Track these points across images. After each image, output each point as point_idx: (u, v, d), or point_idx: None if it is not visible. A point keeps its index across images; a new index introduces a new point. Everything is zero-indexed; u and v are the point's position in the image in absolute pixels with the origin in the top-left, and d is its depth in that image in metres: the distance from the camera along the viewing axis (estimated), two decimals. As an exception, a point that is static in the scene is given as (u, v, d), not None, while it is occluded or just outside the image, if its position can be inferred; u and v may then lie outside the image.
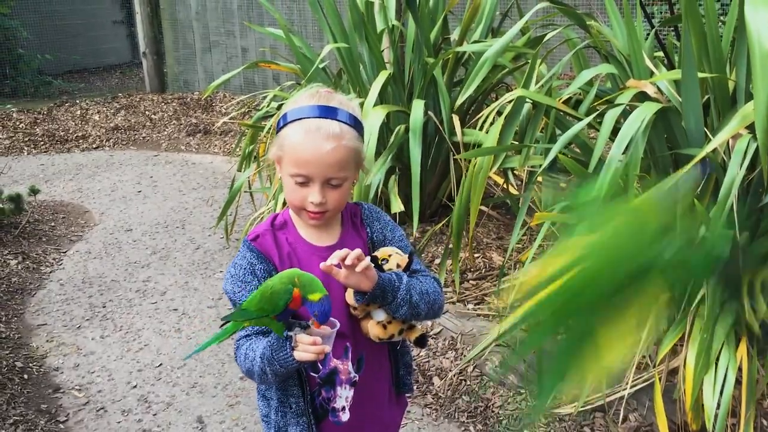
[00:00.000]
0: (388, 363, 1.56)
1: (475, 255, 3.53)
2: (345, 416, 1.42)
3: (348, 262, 1.31)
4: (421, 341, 1.52)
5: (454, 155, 3.33)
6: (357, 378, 1.44)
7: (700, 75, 2.26)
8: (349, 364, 1.42)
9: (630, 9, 2.61)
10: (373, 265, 1.39)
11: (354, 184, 1.46)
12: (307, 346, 1.28)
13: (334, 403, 1.42)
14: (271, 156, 1.46)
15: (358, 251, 1.33)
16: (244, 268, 1.42)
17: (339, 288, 1.42)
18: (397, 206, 3.25)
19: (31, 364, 3.07)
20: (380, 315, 1.46)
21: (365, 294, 1.38)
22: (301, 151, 1.36)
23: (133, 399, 2.82)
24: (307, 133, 1.36)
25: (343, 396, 1.42)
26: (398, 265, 1.47)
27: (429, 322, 3.02)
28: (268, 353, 1.34)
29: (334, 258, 1.33)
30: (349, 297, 1.43)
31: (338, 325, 1.34)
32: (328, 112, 1.38)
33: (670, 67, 2.83)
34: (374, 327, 1.46)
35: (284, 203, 3.39)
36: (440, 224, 3.62)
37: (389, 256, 1.47)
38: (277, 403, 1.46)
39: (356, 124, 1.41)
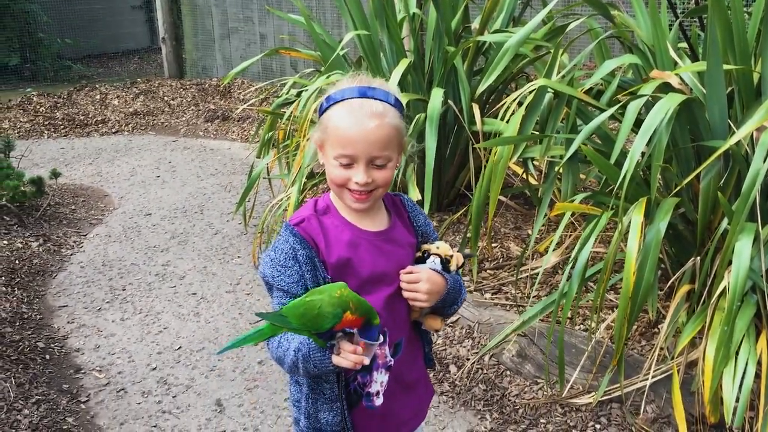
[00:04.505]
0: (420, 347, 1.59)
1: (493, 245, 3.53)
2: (379, 401, 1.44)
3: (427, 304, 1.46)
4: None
5: (473, 144, 3.33)
6: (392, 362, 1.45)
7: (725, 67, 2.25)
8: (386, 348, 1.44)
9: (655, -1, 2.59)
10: (440, 264, 1.48)
11: (397, 167, 1.45)
12: (348, 354, 1.29)
13: (369, 388, 1.43)
14: (314, 141, 1.45)
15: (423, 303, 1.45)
16: (286, 253, 1.39)
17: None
18: (415, 195, 3.26)
19: (52, 345, 3.11)
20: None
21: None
22: (345, 130, 1.36)
23: (153, 381, 2.86)
24: (350, 112, 1.37)
25: (379, 381, 1.43)
26: (457, 264, 1.51)
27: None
28: (305, 350, 1.33)
29: (403, 284, 1.45)
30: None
31: (382, 339, 1.35)
32: (370, 92, 1.39)
33: (694, 58, 2.81)
34: (435, 321, 1.52)
35: (302, 190, 3.41)
36: (458, 213, 3.63)
37: (451, 256, 1.50)
38: (308, 390, 1.45)
39: (397, 104, 1.42)
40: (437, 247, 1.50)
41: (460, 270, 1.55)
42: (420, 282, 1.43)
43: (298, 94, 3.99)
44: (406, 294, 1.44)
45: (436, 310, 1.52)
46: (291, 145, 3.84)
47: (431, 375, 2.78)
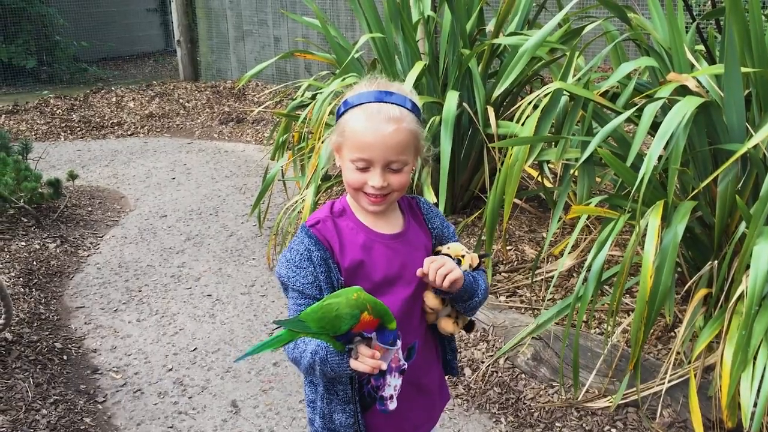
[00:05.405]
0: (436, 351, 1.59)
1: (508, 248, 3.53)
2: (392, 405, 1.43)
3: (446, 285, 1.39)
4: (471, 326, 1.60)
5: (487, 146, 3.33)
6: (406, 366, 1.45)
7: (743, 69, 2.24)
8: (399, 352, 1.44)
9: (671, 1, 2.58)
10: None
11: (413, 170, 1.45)
12: (365, 359, 1.30)
13: (382, 392, 1.43)
14: (331, 144, 1.46)
15: (454, 273, 1.39)
16: (301, 254, 1.40)
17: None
18: (431, 197, 3.26)
19: (70, 346, 3.14)
20: (445, 310, 1.51)
21: (448, 294, 1.44)
22: (363, 134, 1.37)
23: (169, 382, 2.87)
24: (368, 116, 1.38)
25: (392, 384, 1.43)
26: (470, 265, 1.50)
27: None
28: (322, 354, 1.34)
29: (432, 273, 1.39)
30: (430, 300, 1.47)
31: (399, 345, 1.35)
32: (387, 96, 1.39)
33: (711, 60, 2.79)
34: (448, 324, 1.52)
35: (316, 192, 3.42)
36: (473, 216, 3.62)
37: (462, 256, 1.49)
38: (324, 390, 1.47)
39: (414, 109, 1.42)
40: (448, 248, 1.51)
41: (479, 270, 1.54)
42: (445, 263, 1.40)
43: (313, 97, 4.01)
44: (440, 280, 1.39)
45: (451, 312, 1.52)
46: (306, 148, 3.85)
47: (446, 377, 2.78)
